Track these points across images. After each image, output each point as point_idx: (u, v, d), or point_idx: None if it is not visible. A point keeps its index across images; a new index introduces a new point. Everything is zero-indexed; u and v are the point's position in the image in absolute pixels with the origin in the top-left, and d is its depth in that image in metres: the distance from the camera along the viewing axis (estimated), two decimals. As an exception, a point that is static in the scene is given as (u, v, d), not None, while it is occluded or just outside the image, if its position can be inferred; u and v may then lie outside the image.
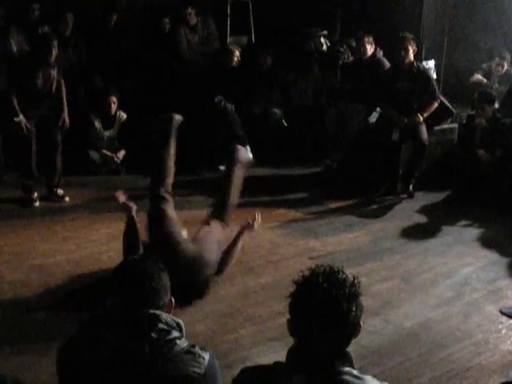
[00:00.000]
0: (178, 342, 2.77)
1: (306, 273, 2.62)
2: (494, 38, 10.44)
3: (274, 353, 4.67)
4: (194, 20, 10.65)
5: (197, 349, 2.81)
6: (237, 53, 9.93)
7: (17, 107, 7.81)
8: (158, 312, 2.79)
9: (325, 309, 2.52)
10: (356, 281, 2.62)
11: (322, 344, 2.54)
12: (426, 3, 10.38)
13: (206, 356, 2.81)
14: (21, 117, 7.80)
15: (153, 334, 2.74)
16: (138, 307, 2.78)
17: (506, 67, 10.10)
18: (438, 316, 5.60)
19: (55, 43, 7.85)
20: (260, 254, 6.76)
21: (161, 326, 2.77)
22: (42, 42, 7.96)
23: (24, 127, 7.82)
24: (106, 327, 2.82)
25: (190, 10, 10.57)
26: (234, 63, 9.90)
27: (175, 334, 2.79)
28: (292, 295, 2.61)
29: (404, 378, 4.63)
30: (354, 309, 2.55)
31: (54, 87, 8.00)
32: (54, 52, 7.83)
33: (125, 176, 9.22)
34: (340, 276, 2.60)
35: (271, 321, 5.34)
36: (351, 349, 2.65)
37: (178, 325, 2.84)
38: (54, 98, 8.05)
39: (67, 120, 8.08)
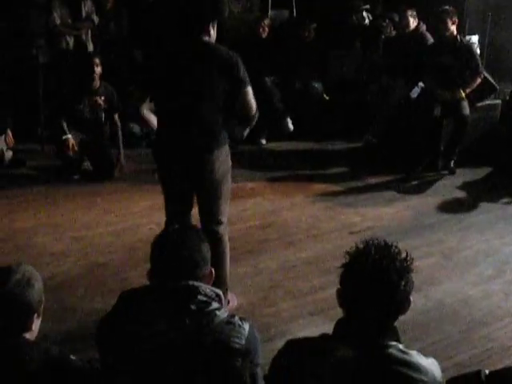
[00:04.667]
0: (217, 313, 2.79)
1: (360, 244, 2.65)
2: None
3: (314, 327, 4.70)
4: None
5: (236, 319, 2.83)
6: (266, 22, 9.90)
7: (65, 127, 7.99)
8: (196, 283, 2.81)
9: (375, 280, 2.54)
10: (409, 256, 2.63)
11: (370, 316, 2.56)
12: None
13: (246, 326, 2.84)
14: (69, 136, 7.96)
15: (192, 306, 2.76)
16: (177, 279, 2.81)
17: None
18: (479, 294, 5.57)
19: (97, 61, 8.00)
20: (300, 227, 6.77)
21: (200, 297, 2.78)
22: (84, 67, 8.10)
23: (71, 146, 7.94)
24: (146, 299, 2.85)
25: None
26: (265, 34, 9.86)
27: (215, 305, 2.81)
28: (344, 266, 2.64)
29: (444, 354, 4.60)
30: (403, 283, 2.56)
31: (102, 117, 8.16)
32: (97, 76, 8.01)
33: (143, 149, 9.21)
34: (393, 250, 2.62)
35: (311, 295, 5.36)
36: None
37: (218, 295, 2.86)
38: (102, 127, 8.21)
39: (122, 160, 8.24)
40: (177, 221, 4.50)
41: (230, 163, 4.96)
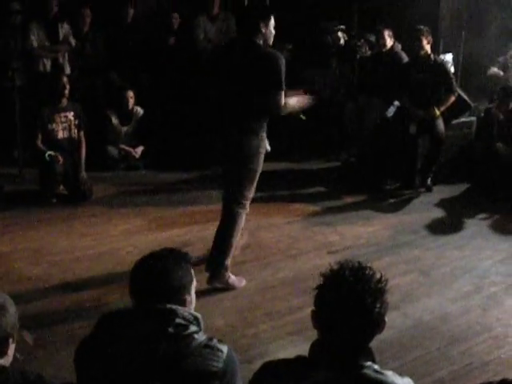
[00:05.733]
0: (195, 336, 2.79)
1: (335, 266, 2.65)
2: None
3: (294, 347, 4.69)
4: (215, 10, 10.53)
5: (215, 342, 2.82)
6: None
7: (42, 148, 8.06)
8: (174, 307, 2.81)
9: (349, 303, 2.54)
10: (383, 278, 2.64)
11: (344, 338, 2.56)
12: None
13: (225, 349, 2.83)
14: (49, 152, 7.98)
15: (170, 329, 2.76)
16: (155, 302, 2.81)
17: (521, 59, 10.06)
18: (457, 310, 5.60)
19: (65, 79, 8.07)
20: (279, 248, 6.78)
21: (178, 320, 2.78)
22: (51, 84, 8.21)
23: (60, 158, 7.97)
24: (125, 323, 2.85)
25: None
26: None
27: (193, 328, 2.81)
28: (318, 287, 2.64)
29: (423, 371, 4.65)
30: (378, 305, 2.57)
31: (76, 136, 8.23)
32: (66, 92, 8.06)
33: (143, 171, 9.24)
34: (367, 272, 2.62)
35: (290, 315, 5.37)
36: (370, 343, 2.67)
37: (196, 319, 2.86)
38: (76, 146, 8.25)
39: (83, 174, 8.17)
40: None
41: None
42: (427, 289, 5.98)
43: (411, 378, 2.71)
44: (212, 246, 5.88)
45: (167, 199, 8.10)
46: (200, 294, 5.41)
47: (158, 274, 2.89)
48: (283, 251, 6.71)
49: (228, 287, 5.83)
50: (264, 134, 5.74)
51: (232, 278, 5.87)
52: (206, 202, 7.89)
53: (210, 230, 6.67)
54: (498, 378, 2.60)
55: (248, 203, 5.89)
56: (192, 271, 3.02)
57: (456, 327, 5.31)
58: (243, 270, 6.22)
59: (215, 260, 5.80)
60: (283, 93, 5.44)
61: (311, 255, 6.58)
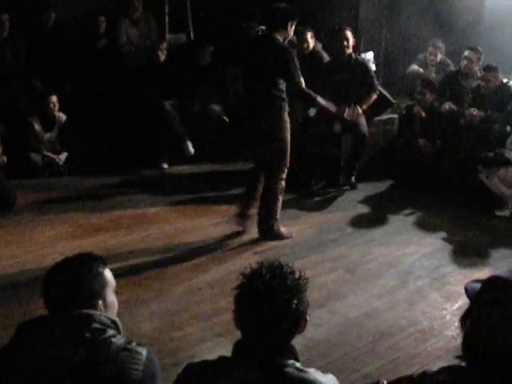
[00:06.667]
0: (113, 340, 2.74)
1: (255, 266, 2.66)
2: (431, 28, 10.51)
3: (222, 348, 4.66)
4: (137, 13, 10.49)
5: (133, 345, 2.77)
6: (163, 46, 9.93)
7: None
8: (90, 311, 2.77)
9: (265, 300, 2.54)
10: (302, 276, 2.64)
11: (264, 337, 2.56)
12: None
13: (144, 352, 2.78)
14: None
15: (87, 334, 2.71)
16: (70, 308, 2.76)
17: (439, 56, 10.18)
18: (383, 305, 5.65)
19: None
20: (205, 250, 6.74)
21: (95, 325, 2.74)
22: None
23: None
24: (41, 330, 2.79)
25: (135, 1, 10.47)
26: (163, 58, 9.88)
27: (110, 332, 2.76)
28: (237, 287, 2.63)
29: (351, 367, 4.68)
30: (295, 301, 2.56)
31: None
32: None
33: (67, 178, 9.09)
34: (284, 269, 2.63)
35: (218, 317, 5.35)
36: (297, 341, 2.66)
37: (114, 322, 2.82)
38: None
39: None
40: None
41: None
42: (353, 286, 6.01)
43: (339, 374, 2.72)
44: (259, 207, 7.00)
45: (92, 205, 7.99)
46: (126, 298, 5.41)
47: (67, 281, 2.85)
48: (209, 253, 6.67)
49: (282, 239, 6.93)
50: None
51: (282, 229, 6.99)
52: (131, 206, 7.88)
53: (135, 234, 6.65)
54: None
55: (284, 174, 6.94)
56: (107, 275, 2.96)
57: (383, 322, 5.35)
58: (170, 273, 6.20)
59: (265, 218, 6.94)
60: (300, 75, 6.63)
61: (237, 256, 6.57)
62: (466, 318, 2.50)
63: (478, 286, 2.53)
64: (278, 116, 6.72)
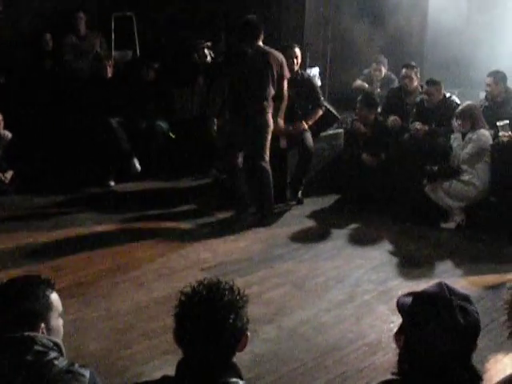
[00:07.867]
0: (55, 362, 2.69)
1: (194, 284, 2.66)
2: (376, 43, 10.63)
3: (169, 366, 4.55)
4: (83, 29, 10.52)
5: (76, 367, 2.74)
6: (110, 62, 9.88)
7: None
8: (32, 334, 2.72)
9: (202, 317, 2.54)
10: (241, 292, 2.64)
11: (204, 354, 2.54)
12: (308, 11, 10.49)
13: (87, 373, 2.74)
14: None
15: (29, 357, 2.66)
16: (11, 330, 2.70)
17: (383, 71, 10.30)
18: (331, 319, 5.66)
19: None
20: (151, 267, 6.69)
21: (37, 348, 2.69)
22: None
23: None
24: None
25: (81, 14, 10.41)
26: (109, 74, 9.82)
27: (53, 354, 2.72)
28: (177, 306, 2.62)
29: (300, 382, 4.66)
30: (232, 317, 2.55)
31: None
32: None
33: (13, 196, 8.96)
34: (222, 286, 2.64)
35: (165, 335, 5.26)
36: (245, 357, 2.65)
37: (56, 345, 2.78)
38: None
39: None
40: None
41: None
42: (301, 300, 6.01)
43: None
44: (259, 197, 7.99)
45: (39, 223, 7.88)
46: (73, 317, 5.35)
47: (8, 303, 2.79)
48: (156, 270, 6.62)
49: None
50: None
51: None
52: (77, 224, 7.79)
53: (82, 253, 6.56)
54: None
55: (267, 156, 7.90)
56: (54, 299, 2.92)
57: (331, 337, 5.36)
58: (116, 292, 6.14)
59: (266, 204, 8.02)
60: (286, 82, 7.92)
61: (184, 273, 6.52)
62: (400, 335, 2.55)
63: (409, 300, 2.57)
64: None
